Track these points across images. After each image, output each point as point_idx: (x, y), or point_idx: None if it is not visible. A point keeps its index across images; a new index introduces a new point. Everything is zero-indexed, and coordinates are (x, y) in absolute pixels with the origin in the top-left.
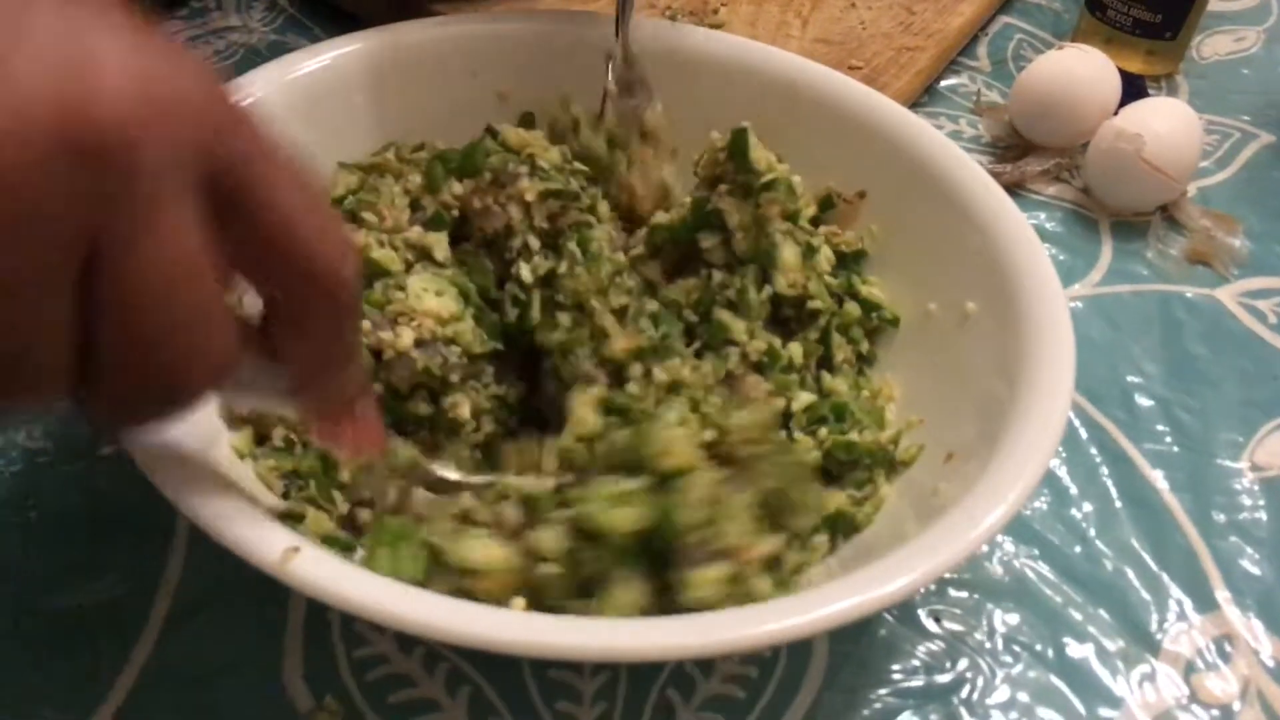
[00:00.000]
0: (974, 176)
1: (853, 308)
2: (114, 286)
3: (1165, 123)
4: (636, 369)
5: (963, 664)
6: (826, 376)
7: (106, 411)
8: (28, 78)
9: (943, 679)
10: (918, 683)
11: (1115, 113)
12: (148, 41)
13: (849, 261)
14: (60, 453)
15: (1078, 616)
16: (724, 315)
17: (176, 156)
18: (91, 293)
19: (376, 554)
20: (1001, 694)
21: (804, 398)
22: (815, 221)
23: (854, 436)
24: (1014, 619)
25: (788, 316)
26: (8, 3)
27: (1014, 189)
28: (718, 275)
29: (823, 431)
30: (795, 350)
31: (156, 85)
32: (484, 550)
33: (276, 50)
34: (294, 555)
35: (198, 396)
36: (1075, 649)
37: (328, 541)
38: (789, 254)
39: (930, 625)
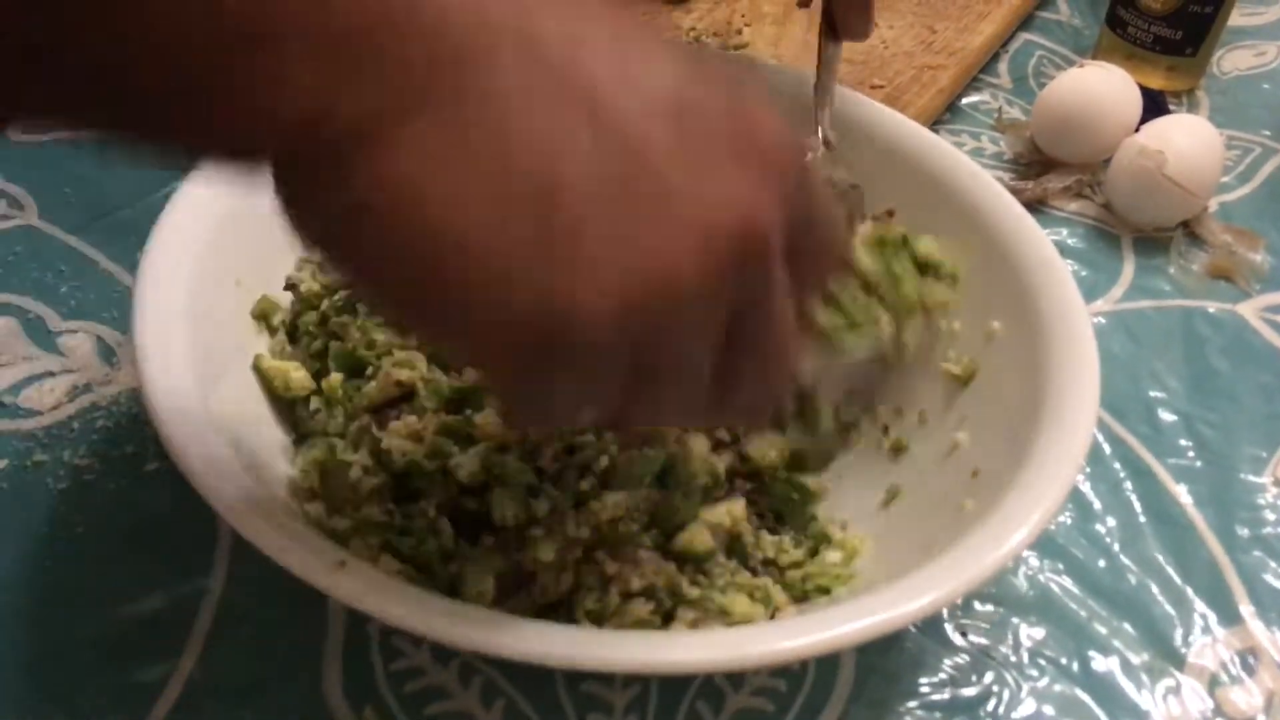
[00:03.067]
0: (995, 195)
1: None
2: (756, 336)
3: (1186, 139)
4: None
5: (989, 677)
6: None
7: (737, 416)
8: (719, 205)
9: (969, 692)
10: (944, 696)
11: (1136, 129)
12: (770, 115)
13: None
14: (106, 469)
15: (1103, 630)
16: None
17: (783, 224)
18: (733, 351)
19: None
20: (1027, 707)
21: None
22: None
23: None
24: (1039, 633)
25: None
26: (688, 102)
27: (1036, 205)
28: None
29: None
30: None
31: (785, 165)
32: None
33: None
34: (339, 570)
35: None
36: (1100, 663)
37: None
38: None
39: (956, 639)
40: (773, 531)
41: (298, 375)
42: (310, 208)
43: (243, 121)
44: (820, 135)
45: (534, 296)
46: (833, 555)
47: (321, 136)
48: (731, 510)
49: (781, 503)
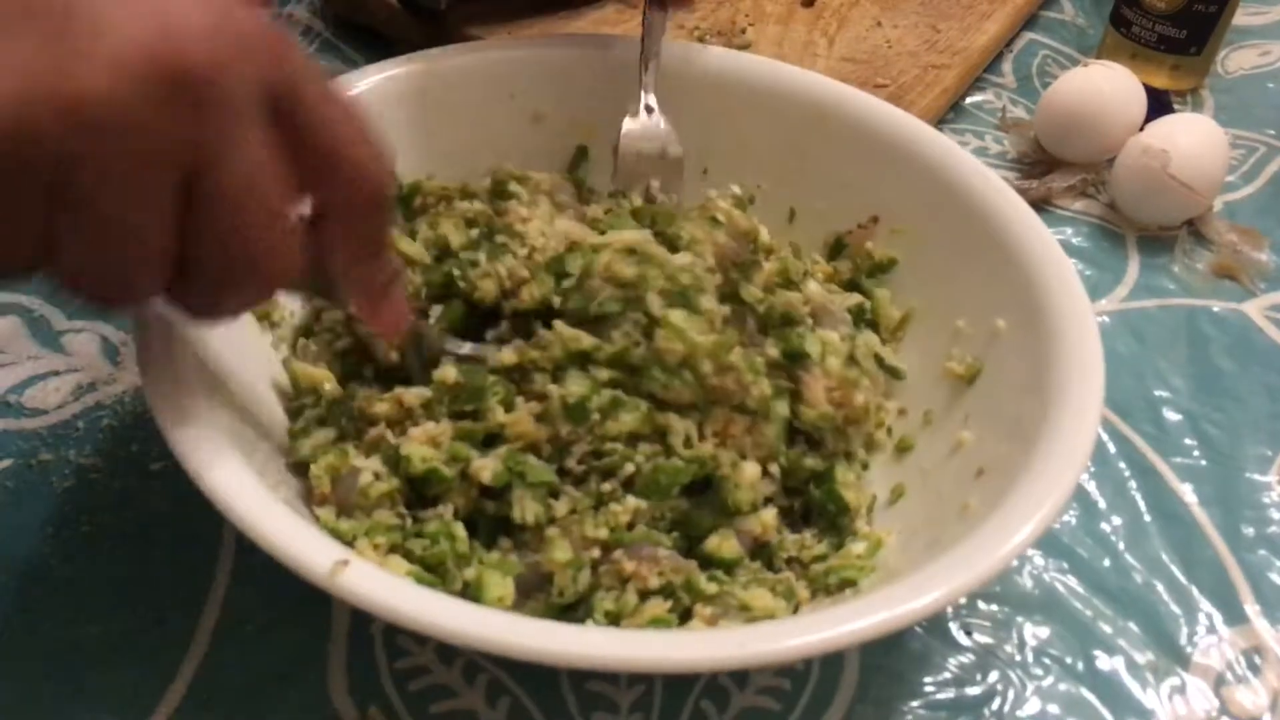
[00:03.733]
0: (1000, 194)
1: None
2: (207, 197)
3: (1191, 138)
4: None
5: (993, 676)
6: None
7: (198, 304)
8: (126, 23)
9: (974, 691)
10: (949, 695)
11: (1141, 128)
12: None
13: (879, 270)
14: (111, 468)
15: (1108, 629)
16: None
17: (250, 82)
18: (187, 203)
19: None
20: (1032, 706)
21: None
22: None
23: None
24: (1044, 632)
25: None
26: None
27: (1040, 205)
28: None
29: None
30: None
31: (230, 23)
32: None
33: None
34: (343, 569)
35: (274, 289)
36: (1105, 662)
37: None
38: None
39: (961, 638)
40: (795, 529)
41: (330, 388)
42: None
43: None
44: (642, 102)
45: None
46: (857, 547)
47: None
48: (764, 519)
49: (817, 513)
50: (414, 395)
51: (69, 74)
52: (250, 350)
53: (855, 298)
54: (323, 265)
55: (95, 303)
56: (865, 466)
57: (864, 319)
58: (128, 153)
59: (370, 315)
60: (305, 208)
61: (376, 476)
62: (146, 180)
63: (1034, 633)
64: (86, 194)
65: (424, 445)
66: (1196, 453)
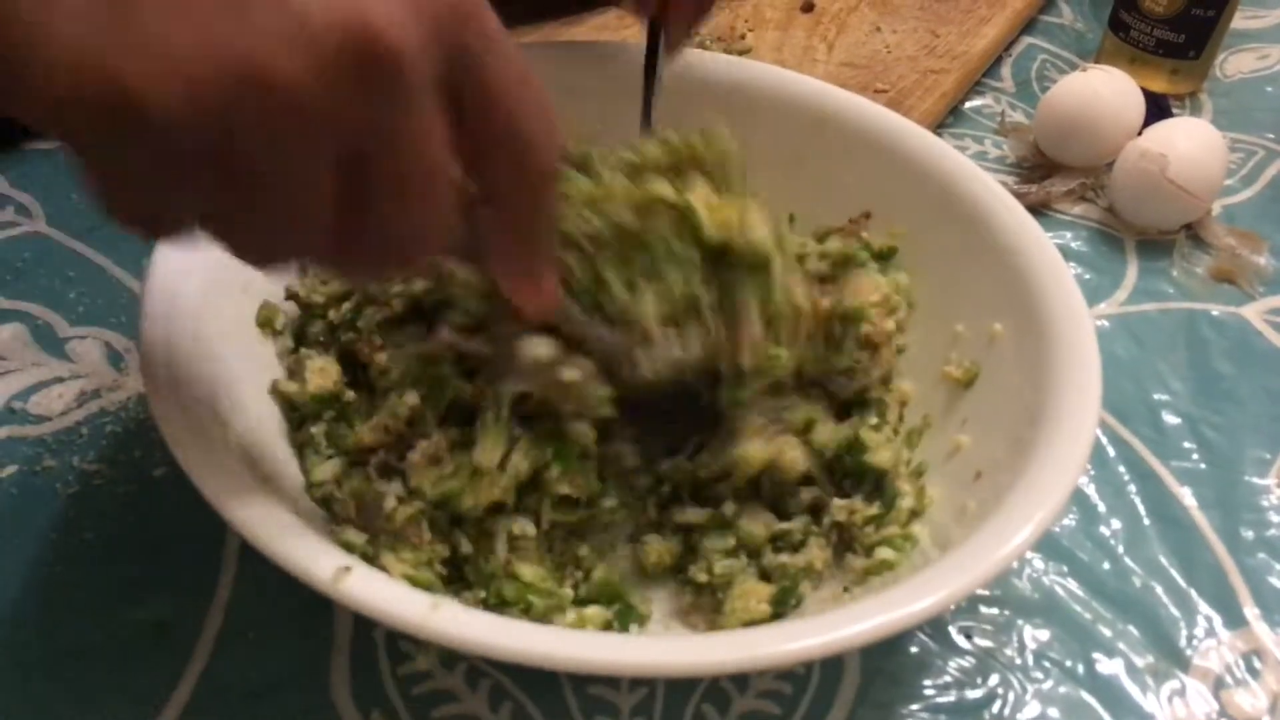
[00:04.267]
0: (998, 199)
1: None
2: (376, 176)
3: (1189, 142)
4: None
5: (994, 680)
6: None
7: (362, 268)
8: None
9: (974, 694)
10: (949, 698)
11: (1139, 133)
12: None
13: (880, 259)
14: (114, 475)
15: (1107, 633)
16: None
17: (435, 61)
18: (354, 175)
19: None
20: (1032, 709)
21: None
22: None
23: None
24: (1044, 635)
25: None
26: None
27: (1039, 209)
28: None
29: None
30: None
31: (450, 5)
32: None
33: None
34: (346, 575)
35: (426, 256)
36: (1105, 665)
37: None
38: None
39: (961, 641)
40: (842, 494)
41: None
42: None
43: None
44: (653, 121)
45: (99, 68)
46: (905, 503)
47: None
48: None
49: (857, 483)
50: (394, 418)
51: (266, 52)
52: (255, 357)
53: None
54: (479, 237)
55: (254, 263)
56: (894, 429)
57: None
58: (311, 131)
59: (517, 291)
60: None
61: (400, 500)
62: (317, 158)
63: (1034, 636)
64: (265, 168)
65: (429, 468)
66: (1196, 456)
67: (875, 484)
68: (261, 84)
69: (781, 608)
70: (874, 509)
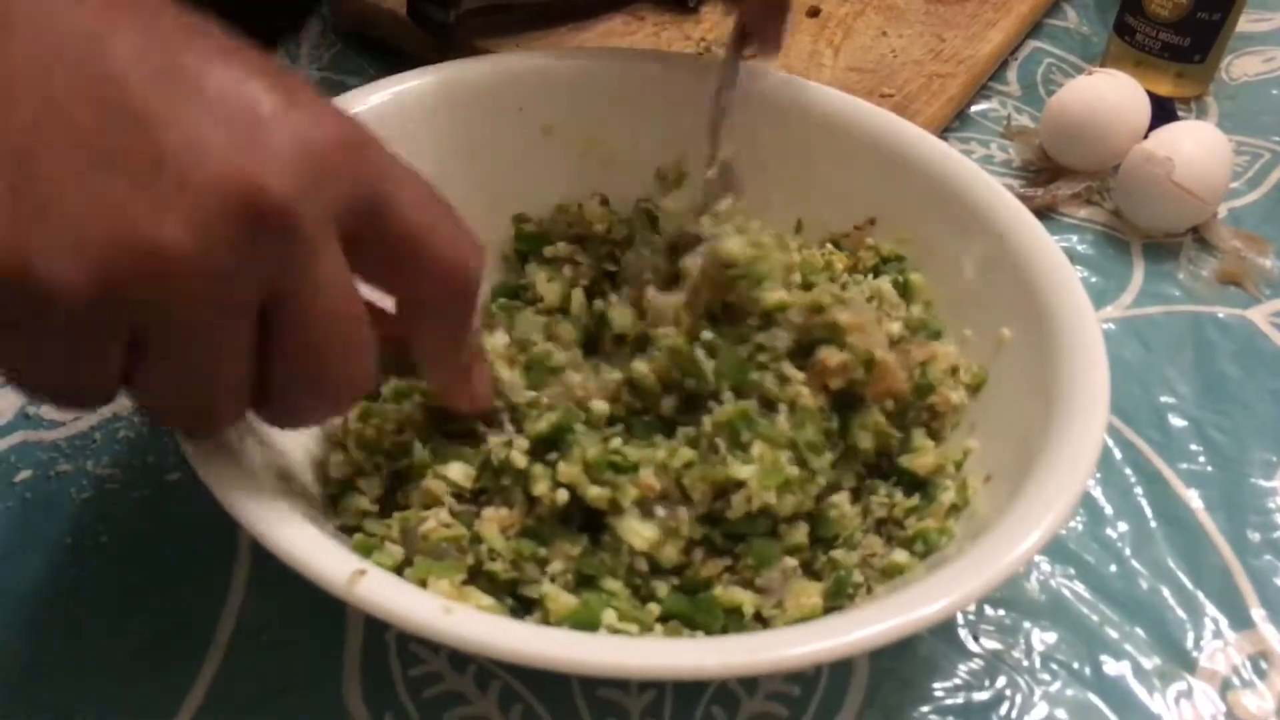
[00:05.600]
0: (1005, 203)
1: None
2: (285, 324)
3: (1195, 145)
4: None
5: (1001, 682)
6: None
7: (280, 420)
8: (210, 161)
9: (982, 696)
10: (957, 700)
11: (1145, 136)
12: (294, 95)
13: (886, 266)
14: (128, 479)
15: (1114, 635)
16: None
17: (330, 204)
18: (264, 328)
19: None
20: (1040, 711)
21: None
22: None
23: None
24: (1051, 637)
25: None
26: (186, 67)
27: (1046, 212)
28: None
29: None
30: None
31: (311, 145)
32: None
33: (325, 86)
34: (360, 578)
35: (354, 402)
36: (1112, 667)
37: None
38: None
39: (969, 644)
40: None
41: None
42: None
43: None
44: (716, 159)
45: (3, 245)
46: (946, 496)
47: None
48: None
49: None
50: (443, 485)
51: (152, 224)
52: None
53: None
54: (404, 353)
55: (177, 429)
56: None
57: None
58: (209, 298)
59: (453, 396)
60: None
61: (445, 525)
62: (227, 320)
63: (1041, 638)
64: (168, 338)
65: (500, 532)
66: (1202, 458)
67: (915, 483)
68: (152, 254)
69: (838, 600)
70: (914, 500)
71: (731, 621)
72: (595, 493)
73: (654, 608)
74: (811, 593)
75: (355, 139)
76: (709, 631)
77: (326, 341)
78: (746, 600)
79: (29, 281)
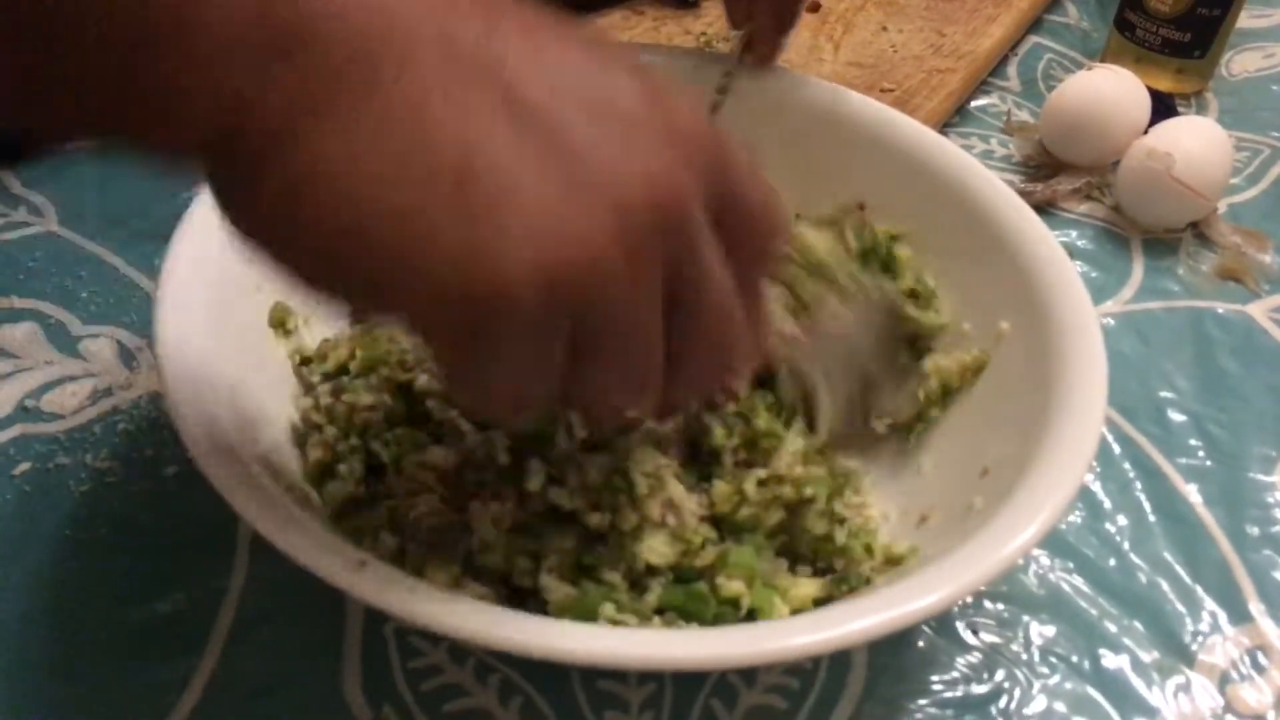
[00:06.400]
0: (1004, 198)
1: None
2: (692, 304)
3: (1195, 141)
4: None
5: (1000, 675)
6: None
7: (684, 395)
8: (620, 171)
9: (980, 689)
10: (956, 693)
11: (1145, 131)
12: (652, 83)
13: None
14: (127, 472)
15: (1113, 628)
16: None
17: (703, 197)
18: (671, 311)
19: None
20: (1038, 704)
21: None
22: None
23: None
24: (1050, 631)
25: None
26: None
27: (1045, 208)
28: None
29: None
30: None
31: (686, 136)
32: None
33: None
34: (360, 569)
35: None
36: (1111, 660)
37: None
38: None
39: (968, 637)
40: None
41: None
42: (240, 201)
43: (164, 114)
44: None
45: (459, 262)
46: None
47: (244, 130)
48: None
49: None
50: (430, 475)
51: (583, 233)
52: (268, 356)
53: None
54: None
55: (606, 417)
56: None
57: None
58: (637, 288)
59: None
60: None
61: (436, 513)
62: (649, 308)
63: (1040, 631)
64: (605, 331)
65: (491, 526)
66: (1201, 453)
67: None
68: (594, 264)
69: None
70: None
71: (726, 612)
72: (597, 520)
73: (650, 598)
74: (807, 585)
75: (705, 125)
76: (703, 622)
77: (729, 317)
78: (742, 591)
79: (496, 288)
